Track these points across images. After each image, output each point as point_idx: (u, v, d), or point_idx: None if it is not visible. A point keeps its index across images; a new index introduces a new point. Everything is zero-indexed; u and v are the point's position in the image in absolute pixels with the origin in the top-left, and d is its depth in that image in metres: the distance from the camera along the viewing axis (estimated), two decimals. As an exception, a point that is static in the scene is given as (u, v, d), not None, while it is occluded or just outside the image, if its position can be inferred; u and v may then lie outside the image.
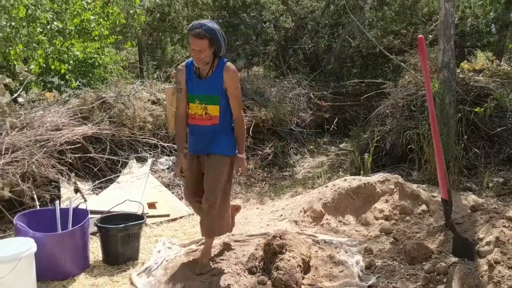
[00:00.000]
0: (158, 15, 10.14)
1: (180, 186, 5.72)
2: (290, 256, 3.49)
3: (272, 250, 3.58)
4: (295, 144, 7.35)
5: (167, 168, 6.02)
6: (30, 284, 3.44)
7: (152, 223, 4.78)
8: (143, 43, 11.99)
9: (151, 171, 5.78)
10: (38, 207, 4.62)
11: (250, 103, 7.34)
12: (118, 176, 5.51)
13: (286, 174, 6.56)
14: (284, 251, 3.54)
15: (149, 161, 5.91)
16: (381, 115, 6.47)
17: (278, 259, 3.48)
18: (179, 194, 5.58)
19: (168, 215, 5.00)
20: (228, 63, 3.43)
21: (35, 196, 4.76)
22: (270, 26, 9.70)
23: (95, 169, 5.54)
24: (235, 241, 4.19)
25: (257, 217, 4.90)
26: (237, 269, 3.64)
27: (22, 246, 3.41)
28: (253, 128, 6.85)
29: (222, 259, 3.82)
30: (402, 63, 7.31)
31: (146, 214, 4.65)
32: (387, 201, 4.66)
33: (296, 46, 10.13)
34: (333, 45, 10.07)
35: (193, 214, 5.09)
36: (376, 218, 4.53)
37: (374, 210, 4.61)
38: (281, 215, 4.85)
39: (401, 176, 5.11)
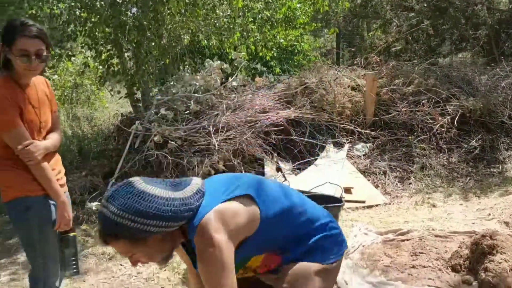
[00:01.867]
0: (360, 0, 10.08)
1: (376, 174, 5.67)
2: (501, 259, 3.18)
3: (481, 250, 3.30)
4: (507, 139, 6.60)
5: (364, 155, 6.01)
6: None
7: (347, 208, 4.85)
8: (342, 29, 12.07)
9: (347, 156, 5.84)
10: (246, 182, 5.07)
11: (456, 91, 6.83)
12: (316, 159, 5.71)
13: (495, 170, 5.96)
14: (494, 252, 3.24)
15: (346, 146, 5.98)
16: None
17: (488, 260, 3.21)
18: (374, 182, 5.53)
19: (363, 202, 5.01)
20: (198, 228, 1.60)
21: (243, 171, 5.23)
22: (483, 8, 8.84)
23: (295, 151, 5.82)
24: (436, 236, 3.99)
25: (461, 214, 4.58)
26: (438, 265, 3.47)
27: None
28: (459, 118, 6.38)
29: (422, 252, 3.68)
30: None
31: (343, 199, 4.74)
32: None
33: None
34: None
35: (390, 204, 5.01)
36: None
37: None
38: (489, 215, 4.44)
39: None
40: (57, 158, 2.59)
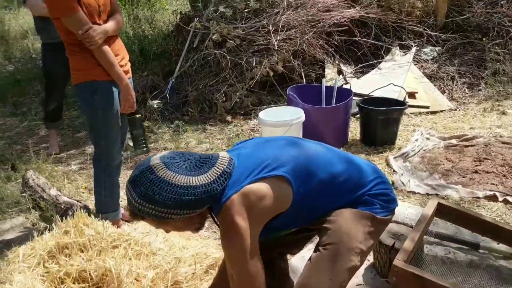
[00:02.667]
0: None
1: (443, 79, 5.37)
2: None
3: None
4: None
5: (431, 59, 5.67)
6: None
7: (410, 113, 4.68)
8: None
9: (414, 60, 5.53)
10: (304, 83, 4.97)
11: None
12: (380, 62, 5.45)
13: None
14: None
15: (413, 49, 5.64)
16: None
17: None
18: (441, 88, 5.26)
19: (427, 107, 4.80)
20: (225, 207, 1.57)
21: (302, 73, 5.11)
22: None
23: (359, 53, 5.58)
24: (503, 142, 3.80)
25: (533, 122, 4.30)
26: (503, 171, 3.34)
27: (293, 114, 3.77)
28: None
29: (486, 158, 3.54)
30: None
31: (406, 103, 4.56)
32: None
33: None
34: None
35: (456, 110, 4.78)
36: None
37: None
38: None
39: None
40: (120, 44, 2.63)
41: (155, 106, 5.05)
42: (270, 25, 5.17)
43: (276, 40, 5.01)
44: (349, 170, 1.73)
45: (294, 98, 4.05)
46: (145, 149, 3.04)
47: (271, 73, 4.96)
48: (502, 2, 6.02)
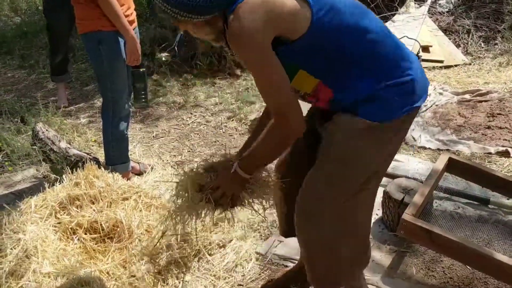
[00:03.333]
0: None
1: (458, 33, 5.22)
2: None
3: None
4: None
5: (447, 11, 5.49)
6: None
7: (424, 67, 4.54)
8: None
9: (429, 13, 5.36)
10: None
11: None
12: (393, 15, 5.29)
13: None
14: None
15: (428, 1, 5.47)
16: None
17: None
18: (456, 41, 5.12)
19: (442, 61, 4.70)
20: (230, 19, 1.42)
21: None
22: None
23: (372, 5, 5.40)
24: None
25: (550, 77, 4.20)
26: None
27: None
28: None
29: (500, 114, 3.48)
30: None
31: (420, 57, 4.46)
32: None
33: None
34: None
35: (470, 64, 4.67)
36: None
37: None
38: None
39: None
40: None
41: (163, 59, 4.99)
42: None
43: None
44: (384, 36, 1.53)
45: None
46: (144, 103, 3.06)
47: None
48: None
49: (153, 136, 3.73)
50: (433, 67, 4.63)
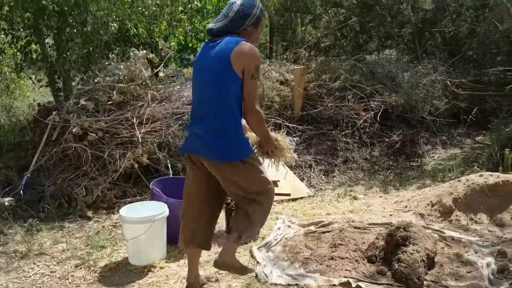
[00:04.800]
0: (292, -5, 10.16)
1: (302, 168, 5.75)
2: (413, 250, 3.31)
3: (395, 242, 3.42)
4: (426, 134, 6.93)
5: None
6: (161, 245, 3.72)
7: (274, 201, 4.86)
8: (275, 23, 12.12)
9: (275, 150, 5.86)
10: (171, 175, 4.96)
11: (380, 87, 7.07)
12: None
13: (414, 164, 6.23)
14: (407, 243, 3.37)
15: (274, 140, 6.00)
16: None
17: (401, 251, 3.33)
18: (300, 175, 5.61)
19: (289, 195, 5.06)
20: None
21: (169, 164, 5.11)
22: (408, 7, 9.19)
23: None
24: (355, 227, 4.09)
25: (380, 206, 4.74)
26: (355, 256, 3.56)
27: (157, 209, 3.70)
28: (382, 113, 6.60)
29: (341, 244, 3.76)
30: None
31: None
32: (530, 203, 4.20)
33: (434, 29, 9.48)
34: (477, 29, 9.23)
35: (314, 196, 5.10)
36: (515, 220, 4.11)
37: (512, 211, 4.19)
38: (406, 207, 4.63)
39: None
40: None
41: (6, 204, 4.62)
42: (134, 118, 5.17)
43: (140, 133, 5.00)
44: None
45: (157, 192, 3.99)
46: None
47: (136, 165, 4.88)
48: (348, 97, 6.77)
49: (-14, 296, 3.30)
50: (282, 200, 4.95)
